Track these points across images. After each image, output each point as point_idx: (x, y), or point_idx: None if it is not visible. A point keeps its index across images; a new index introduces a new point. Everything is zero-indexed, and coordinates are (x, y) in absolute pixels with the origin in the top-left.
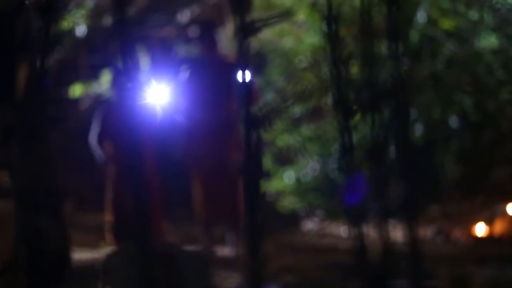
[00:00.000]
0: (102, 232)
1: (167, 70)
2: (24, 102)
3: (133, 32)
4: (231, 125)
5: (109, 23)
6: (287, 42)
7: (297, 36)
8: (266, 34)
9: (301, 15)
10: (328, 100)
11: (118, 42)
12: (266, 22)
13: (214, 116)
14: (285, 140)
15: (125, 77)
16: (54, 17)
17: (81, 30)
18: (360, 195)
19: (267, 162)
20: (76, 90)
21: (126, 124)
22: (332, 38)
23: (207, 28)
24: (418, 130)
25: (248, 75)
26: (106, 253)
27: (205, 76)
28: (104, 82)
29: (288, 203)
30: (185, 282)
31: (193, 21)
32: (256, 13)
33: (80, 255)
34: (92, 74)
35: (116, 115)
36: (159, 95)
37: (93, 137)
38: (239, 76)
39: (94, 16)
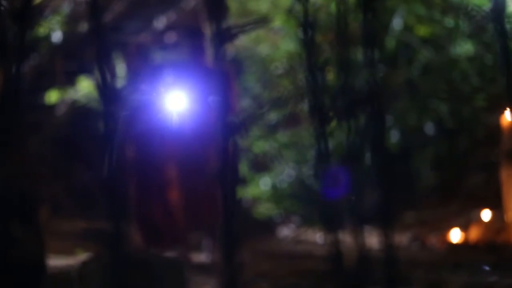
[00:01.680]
0: (78, 238)
1: (146, 77)
2: None
3: (109, 39)
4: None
5: (85, 30)
6: (263, 49)
7: (273, 43)
8: (242, 41)
9: (277, 22)
10: (304, 106)
11: (94, 48)
12: (242, 29)
13: (198, 122)
14: (261, 146)
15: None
16: (30, 23)
17: (57, 36)
18: (341, 190)
19: (243, 168)
20: (52, 97)
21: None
22: (308, 44)
23: (197, 35)
24: (394, 136)
25: (227, 82)
26: (81, 260)
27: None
28: (80, 88)
29: (264, 209)
30: None
31: (169, 27)
32: (232, 20)
33: (55, 262)
34: (68, 80)
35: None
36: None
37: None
38: (220, 82)
39: (70, 22)
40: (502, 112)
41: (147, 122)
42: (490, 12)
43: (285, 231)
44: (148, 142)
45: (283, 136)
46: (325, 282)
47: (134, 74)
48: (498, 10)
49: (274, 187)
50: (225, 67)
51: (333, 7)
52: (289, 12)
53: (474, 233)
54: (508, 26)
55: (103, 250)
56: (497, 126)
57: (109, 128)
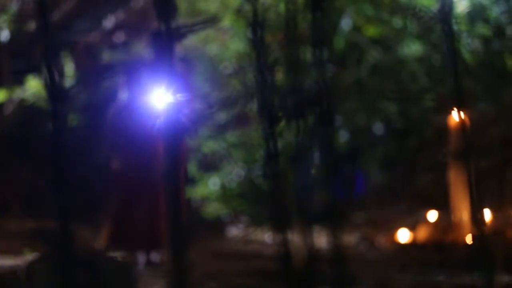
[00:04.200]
0: (25, 238)
1: (95, 77)
2: None
3: (57, 38)
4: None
5: (33, 28)
6: (212, 48)
7: (222, 42)
8: (192, 40)
9: (226, 21)
10: (253, 106)
11: (42, 47)
12: (191, 28)
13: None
14: (210, 146)
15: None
16: None
17: (4, 35)
18: (359, 188)
19: (192, 168)
20: (0, 96)
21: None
22: (257, 44)
23: (159, 37)
24: (343, 136)
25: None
26: (28, 259)
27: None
28: (28, 87)
29: (213, 209)
30: None
31: (118, 26)
32: (181, 19)
33: (2, 262)
34: (16, 79)
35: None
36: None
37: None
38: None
39: (18, 21)
40: (450, 113)
41: (130, 124)
42: (437, 13)
43: (234, 231)
44: (134, 146)
45: (232, 136)
46: (274, 281)
47: (82, 73)
48: (446, 11)
49: (223, 187)
50: (178, 67)
51: (282, 7)
52: (238, 11)
53: (422, 233)
54: (455, 27)
55: (50, 250)
56: (445, 127)
57: (56, 127)
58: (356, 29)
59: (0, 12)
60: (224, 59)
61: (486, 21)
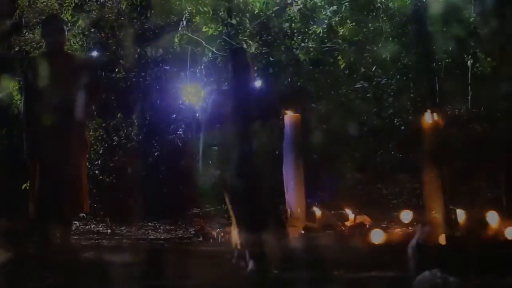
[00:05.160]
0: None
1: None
2: None
3: (35, 38)
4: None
5: (9, 30)
6: (188, 49)
7: (197, 43)
8: (167, 40)
9: (202, 22)
10: (229, 107)
11: (18, 48)
12: (166, 28)
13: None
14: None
15: None
16: None
17: None
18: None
19: None
20: None
21: None
22: (232, 46)
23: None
24: (318, 137)
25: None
26: (1, 261)
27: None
28: (4, 88)
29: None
30: None
31: (95, 26)
32: (156, 20)
33: None
34: None
35: None
36: None
37: None
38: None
39: None
40: (424, 113)
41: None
42: (412, 14)
43: (210, 232)
44: None
45: (207, 136)
46: (250, 282)
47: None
48: (420, 12)
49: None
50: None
51: (257, 7)
52: (213, 13)
53: (397, 234)
54: (430, 28)
55: (22, 250)
56: (419, 127)
57: (31, 127)
58: (333, 30)
59: None
60: (199, 59)
61: (461, 21)
